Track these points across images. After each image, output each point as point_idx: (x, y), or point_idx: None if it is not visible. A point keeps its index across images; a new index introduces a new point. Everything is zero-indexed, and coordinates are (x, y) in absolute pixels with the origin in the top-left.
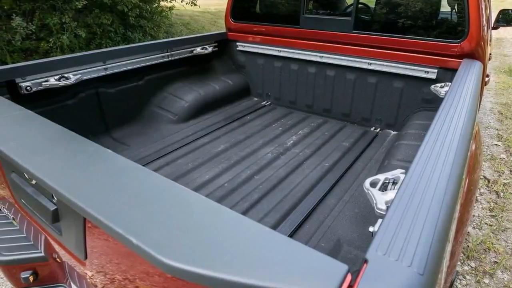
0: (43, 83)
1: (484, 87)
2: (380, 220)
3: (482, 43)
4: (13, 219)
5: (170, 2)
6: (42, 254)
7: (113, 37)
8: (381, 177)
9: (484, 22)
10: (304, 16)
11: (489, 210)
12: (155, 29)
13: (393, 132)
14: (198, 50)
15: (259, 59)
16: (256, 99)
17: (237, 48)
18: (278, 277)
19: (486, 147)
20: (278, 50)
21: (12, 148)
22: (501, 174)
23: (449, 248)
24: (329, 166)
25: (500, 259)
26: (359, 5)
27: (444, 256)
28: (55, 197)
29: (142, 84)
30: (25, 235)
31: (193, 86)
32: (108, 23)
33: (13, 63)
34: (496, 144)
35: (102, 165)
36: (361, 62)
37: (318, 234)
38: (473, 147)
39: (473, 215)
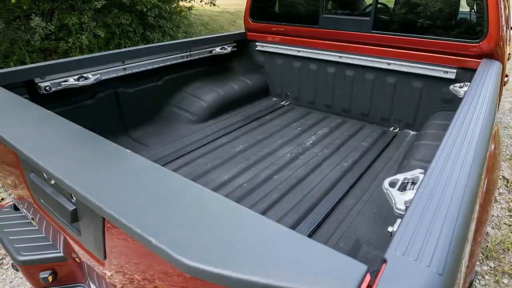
0: (62, 83)
1: (503, 87)
2: (399, 220)
3: (501, 43)
4: (32, 219)
5: (189, 2)
6: (61, 254)
7: (132, 37)
8: (400, 177)
9: (503, 22)
10: (323, 16)
11: (508, 210)
12: (174, 29)
13: (412, 132)
14: (217, 50)
15: (278, 59)
16: (275, 99)
17: (256, 48)
18: (297, 277)
19: (505, 147)
20: (297, 50)
21: (31, 148)
22: None
23: (468, 248)
24: (348, 166)
25: None
26: (378, 5)
27: (463, 256)
28: (74, 197)
29: (161, 84)
30: (44, 235)
31: (212, 86)
32: (127, 23)
33: (32, 63)
34: None
35: (121, 165)
36: (380, 62)
37: (337, 234)
38: (492, 147)
39: (492, 215)
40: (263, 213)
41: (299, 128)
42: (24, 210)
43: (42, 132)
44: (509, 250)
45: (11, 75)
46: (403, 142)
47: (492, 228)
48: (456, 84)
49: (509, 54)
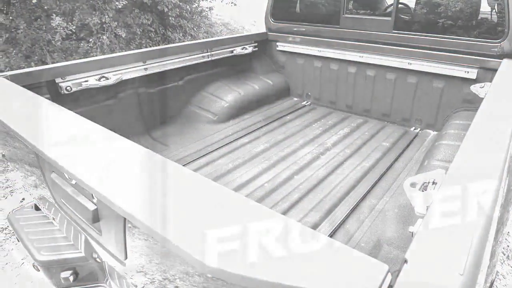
0: (83, 83)
1: None
2: (420, 220)
3: None
4: (53, 219)
5: (210, 2)
6: (82, 254)
7: (153, 37)
8: (421, 177)
9: None
10: (344, 16)
11: None
12: (195, 29)
13: (433, 132)
14: (238, 50)
15: (299, 59)
16: (296, 99)
17: (277, 48)
18: (319, 277)
19: None
20: (318, 50)
21: (52, 149)
22: None
23: (489, 248)
24: (369, 166)
25: None
26: (399, 5)
27: (483, 256)
28: (95, 197)
29: (182, 84)
30: (65, 235)
31: (233, 86)
32: (148, 23)
33: (53, 63)
34: None
35: (141, 165)
36: (401, 62)
37: (358, 234)
38: None
39: None
40: (284, 213)
41: (320, 128)
42: (45, 210)
43: (63, 132)
44: None
45: (32, 75)
46: (424, 142)
47: None
48: (477, 84)
49: None
